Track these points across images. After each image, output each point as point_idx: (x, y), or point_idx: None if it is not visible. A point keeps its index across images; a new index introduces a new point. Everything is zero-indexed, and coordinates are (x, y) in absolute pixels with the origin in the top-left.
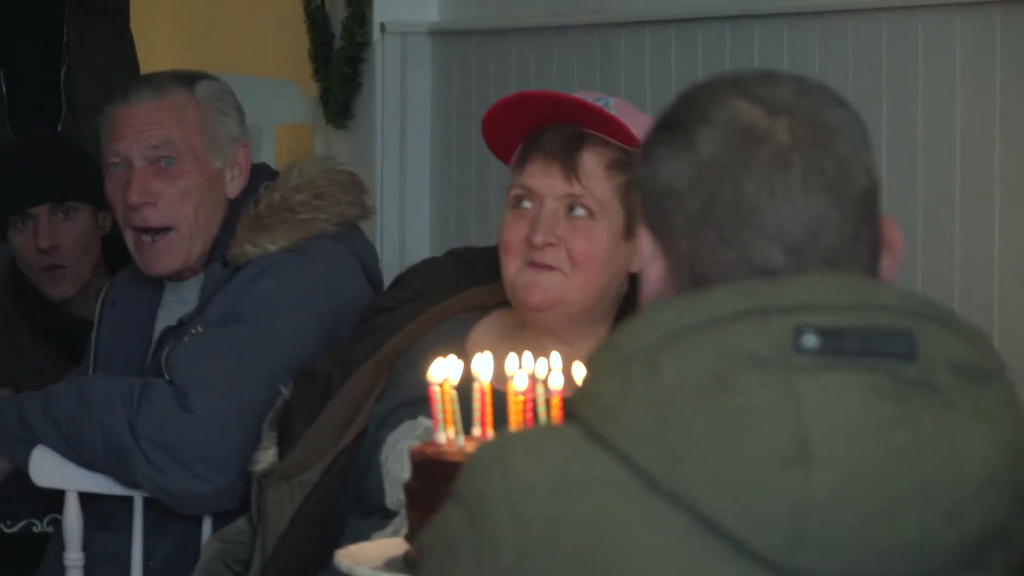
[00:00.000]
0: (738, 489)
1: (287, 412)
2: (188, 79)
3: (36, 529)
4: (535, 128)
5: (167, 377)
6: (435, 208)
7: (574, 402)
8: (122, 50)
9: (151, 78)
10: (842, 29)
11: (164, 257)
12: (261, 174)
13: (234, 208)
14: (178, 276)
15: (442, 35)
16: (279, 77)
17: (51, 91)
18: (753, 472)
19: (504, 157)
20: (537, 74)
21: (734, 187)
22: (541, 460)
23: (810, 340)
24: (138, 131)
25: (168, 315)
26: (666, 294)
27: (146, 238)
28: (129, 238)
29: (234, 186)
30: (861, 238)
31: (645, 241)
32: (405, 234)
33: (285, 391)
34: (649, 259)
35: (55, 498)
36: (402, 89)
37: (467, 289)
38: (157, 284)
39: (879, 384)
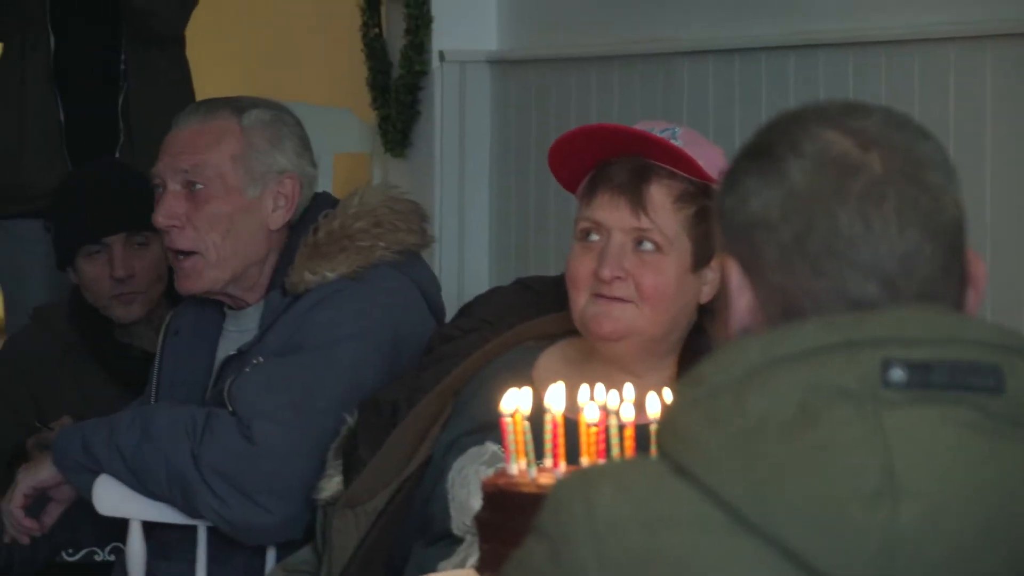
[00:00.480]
0: (825, 524)
1: (352, 440)
2: (241, 106)
3: (98, 558)
4: (602, 160)
5: (230, 408)
6: (494, 236)
7: (659, 435)
8: (178, 78)
9: (208, 102)
10: (908, 58)
11: (189, 278)
12: (321, 202)
13: (294, 236)
14: (237, 305)
15: (501, 64)
16: (337, 105)
17: (109, 119)
18: (840, 507)
19: (571, 187)
20: (598, 103)
21: (828, 219)
22: (626, 494)
23: (897, 374)
24: (174, 154)
25: (229, 344)
26: (754, 326)
27: (179, 257)
28: (170, 259)
29: (277, 217)
30: (951, 271)
31: (732, 272)
32: (464, 263)
33: (350, 419)
34: (736, 290)
35: (117, 527)
36: (461, 117)
37: (533, 318)
38: (218, 314)
39: (966, 418)
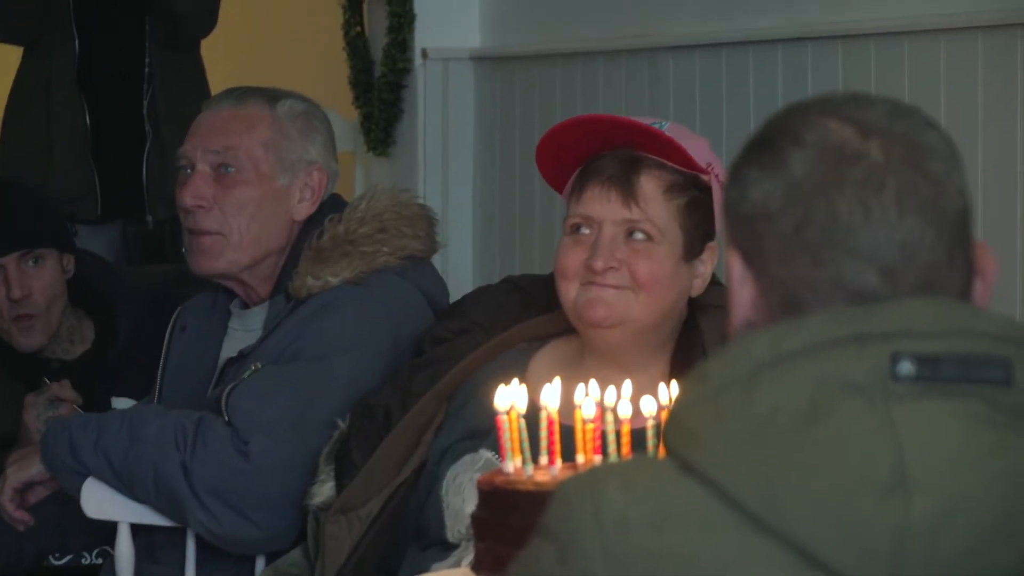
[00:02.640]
0: (836, 519)
1: (345, 445)
2: (275, 96)
3: (85, 562)
4: (589, 155)
5: (226, 417)
6: (478, 235)
7: (666, 433)
8: (199, 79)
9: (240, 89)
10: (898, 50)
11: (207, 254)
12: (330, 205)
13: (300, 238)
14: (247, 295)
15: (484, 61)
16: (319, 104)
17: (135, 121)
18: (851, 501)
19: (557, 184)
20: (583, 100)
21: (827, 207)
22: (634, 493)
23: (907, 367)
24: (204, 135)
25: (233, 344)
26: (756, 318)
27: (196, 233)
28: (185, 239)
29: (302, 208)
30: (955, 261)
31: (735, 264)
32: (448, 262)
33: (342, 424)
34: (739, 283)
35: (105, 531)
36: (444, 116)
37: (524, 318)
38: (226, 313)
39: (976, 411)
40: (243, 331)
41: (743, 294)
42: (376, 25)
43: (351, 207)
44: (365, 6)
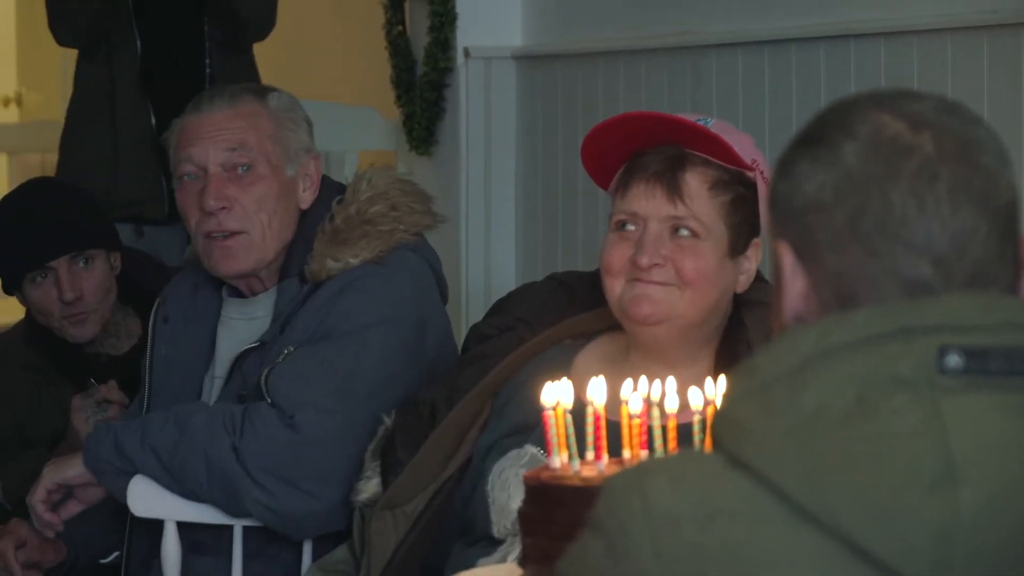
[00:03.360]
0: (884, 513)
1: (390, 442)
2: (259, 90)
3: (103, 561)
4: (634, 151)
5: (268, 400)
6: (521, 233)
7: (714, 428)
8: (255, 80)
9: (224, 89)
10: (941, 47)
11: (235, 256)
12: (330, 189)
13: (305, 223)
14: (252, 290)
15: (526, 59)
16: (361, 104)
17: None
18: (899, 495)
19: (601, 181)
20: (625, 98)
21: (882, 199)
22: (682, 488)
23: (954, 360)
24: (213, 136)
25: (232, 332)
26: (807, 312)
27: (217, 236)
28: (201, 245)
29: (306, 197)
30: (1005, 255)
31: (785, 257)
32: (491, 260)
33: (388, 420)
34: (790, 276)
35: (118, 535)
36: (486, 114)
37: (569, 315)
38: (214, 300)
39: None
40: (244, 320)
41: (794, 287)
42: (418, 24)
43: (353, 188)
44: (407, 5)
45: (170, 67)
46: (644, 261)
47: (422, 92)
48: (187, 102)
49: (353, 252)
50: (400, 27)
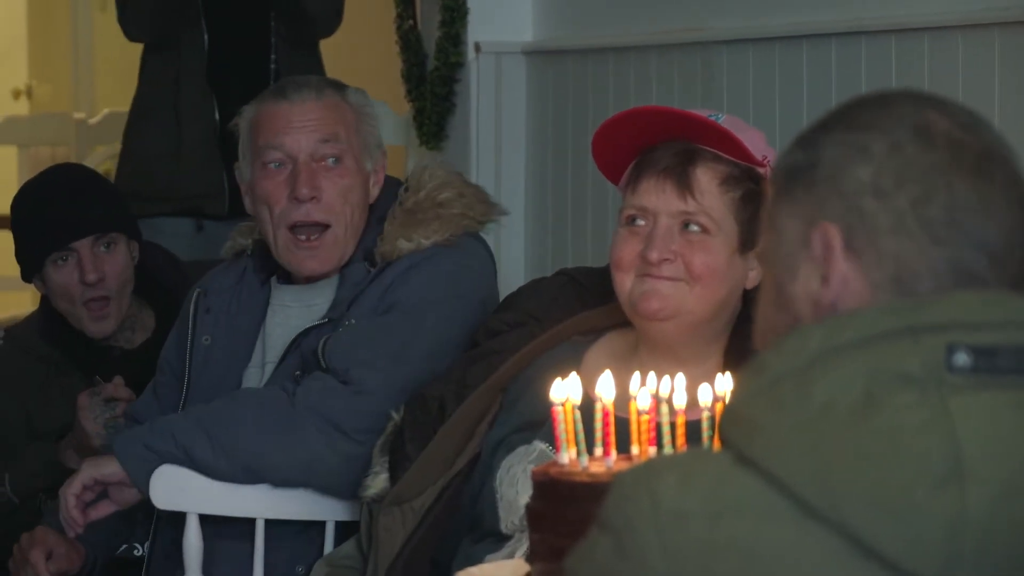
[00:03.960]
0: (892, 510)
1: (399, 437)
2: (339, 85)
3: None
4: (645, 146)
5: (324, 365)
6: (530, 228)
7: (722, 425)
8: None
9: (307, 79)
10: (952, 44)
11: (320, 257)
12: (389, 181)
13: (371, 216)
14: (311, 280)
15: (537, 54)
16: (371, 98)
17: None
18: (907, 492)
19: (612, 177)
20: (635, 93)
21: (947, 188)
22: (690, 485)
23: (962, 358)
24: (304, 125)
25: (286, 318)
26: (848, 294)
27: (302, 235)
28: (282, 238)
29: (375, 191)
30: None
31: (835, 239)
32: (500, 255)
33: (396, 416)
34: (839, 257)
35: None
36: (497, 109)
37: (578, 311)
38: (261, 291)
39: None
40: (301, 306)
41: (840, 268)
42: (428, 19)
43: (415, 178)
44: (418, 0)
45: (236, 63)
46: (654, 256)
47: (433, 87)
48: (252, 98)
49: (425, 233)
50: (411, 21)
